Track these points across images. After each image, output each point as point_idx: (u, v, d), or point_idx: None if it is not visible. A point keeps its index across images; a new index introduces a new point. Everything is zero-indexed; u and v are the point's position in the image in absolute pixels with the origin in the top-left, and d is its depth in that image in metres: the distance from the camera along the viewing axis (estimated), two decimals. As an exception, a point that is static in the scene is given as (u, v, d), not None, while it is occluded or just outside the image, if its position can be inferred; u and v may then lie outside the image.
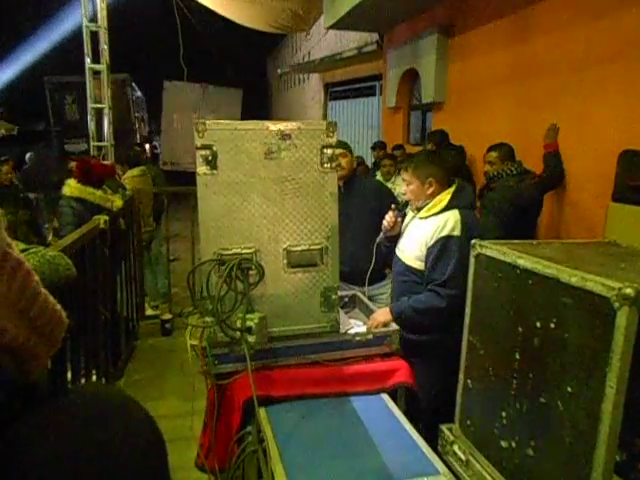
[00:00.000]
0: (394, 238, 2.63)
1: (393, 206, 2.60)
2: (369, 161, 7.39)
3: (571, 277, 1.29)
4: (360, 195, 3.08)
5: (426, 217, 2.42)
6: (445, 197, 2.39)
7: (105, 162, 5.12)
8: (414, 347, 2.41)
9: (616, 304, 1.15)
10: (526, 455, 1.49)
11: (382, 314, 2.40)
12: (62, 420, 0.55)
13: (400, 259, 2.54)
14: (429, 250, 2.35)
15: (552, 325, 1.36)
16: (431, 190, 2.42)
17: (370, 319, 2.40)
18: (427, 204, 2.43)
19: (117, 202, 3.68)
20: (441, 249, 2.31)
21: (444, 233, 2.30)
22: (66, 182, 3.57)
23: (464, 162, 5.13)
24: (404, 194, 2.58)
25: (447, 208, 2.37)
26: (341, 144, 2.98)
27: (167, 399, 3.48)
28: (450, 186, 2.45)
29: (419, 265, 2.44)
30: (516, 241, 1.76)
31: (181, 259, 6.24)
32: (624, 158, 2.83)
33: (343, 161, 2.99)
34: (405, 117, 7.20)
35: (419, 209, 2.48)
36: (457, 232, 2.29)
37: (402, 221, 2.64)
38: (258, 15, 8.99)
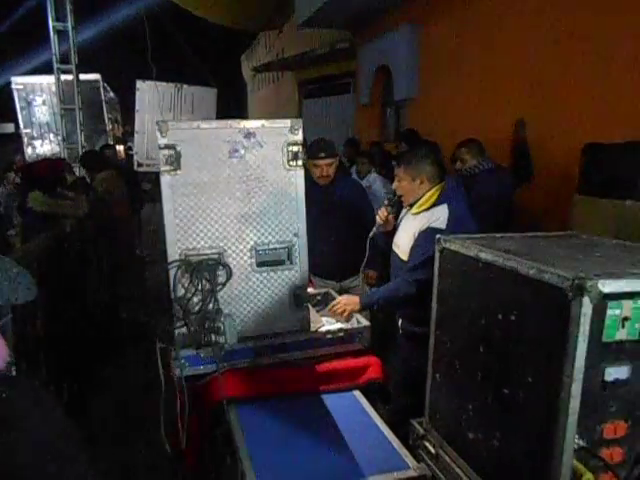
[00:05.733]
0: (390, 233, 2.64)
1: (385, 202, 2.62)
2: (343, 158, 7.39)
3: (529, 269, 1.31)
4: (341, 192, 3.14)
5: (418, 213, 2.45)
6: (435, 194, 2.42)
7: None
8: (416, 339, 2.41)
9: (570, 294, 1.17)
10: (492, 446, 1.50)
11: (350, 302, 2.39)
12: None
13: (396, 254, 2.55)
14: (417, 237, 2.38)
15: (512, 317, 1.38)
16: (422, 187, 2.44)
17: (336, 301, 2.39)
18: (418, 200, 2.45)
19: (84, 208, 3.59)
20: (423, 239, 2.33)
21: (433, 225, 2.33)
22: (30, 195, 3.35)
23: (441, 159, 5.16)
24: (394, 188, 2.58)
25: (437, 204, 2.39)
26: (328, 150, 3.04)
27: (140, 402, 3.43)
28: (441, 182, 2.46)
29: None
30: (480, 235, 1.78)
31: (156, 261, 6.17)
32: (588, 151, 2.88)
33: (331, 169, 3.05)
34: (379, 114, 7.23)
35: (411, 205, 2.50)
36: (442, 225, 2.31)
37: (396, 217, 2.65)
38: (230, 13, 8.95)
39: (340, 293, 2.77)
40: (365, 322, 2.31)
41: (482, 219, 3.33)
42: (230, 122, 1.95)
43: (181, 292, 1.94)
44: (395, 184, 2.54)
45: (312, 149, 3.12)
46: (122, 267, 5.23)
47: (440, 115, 5.33)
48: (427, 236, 2.28)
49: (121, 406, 3.44)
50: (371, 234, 2.64)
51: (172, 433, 2.12)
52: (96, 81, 12.51)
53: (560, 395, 1.22)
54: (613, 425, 1.30)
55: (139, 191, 5.78)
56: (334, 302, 2.42)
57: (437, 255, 1.78)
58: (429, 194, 2.43)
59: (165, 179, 1.90)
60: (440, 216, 2.34)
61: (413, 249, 2.38)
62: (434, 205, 2.39)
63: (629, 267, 1.33)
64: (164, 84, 12.48)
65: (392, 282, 2.42)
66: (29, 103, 12.20)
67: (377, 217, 2.61)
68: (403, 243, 2.49)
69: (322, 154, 3.03)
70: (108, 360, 4.19)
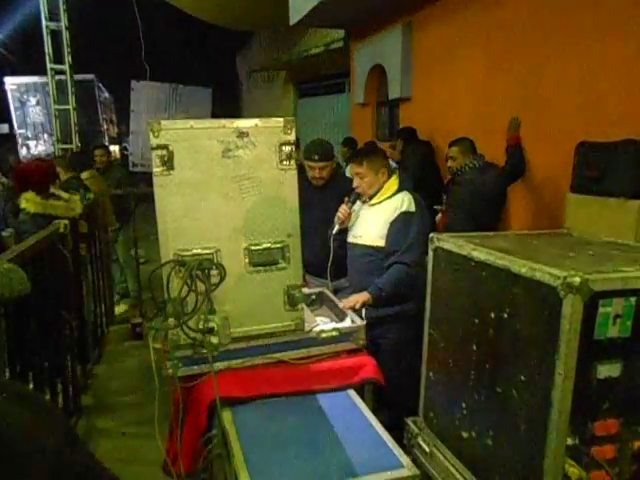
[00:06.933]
0: (344, 230, 2.80)
1: (346, 199, 2.77)
2: (339, 158, 7.39)
3: (521, 268, 1.31)
4: (336, 193, 3.13)
5: (379, 202, 2.66)
6: (394, 183, 2.67)
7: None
8: (376, 323, 2.54)
9: (562, 293, 1.17)
10: (485, 444, 1.51)
11: (360, 295, 2.51)
12: None
13: (359, 244, 2.72)
14: (391, 225, 2.58)
15: (505, 315, 1.38)
16: (383, 179, 2.67)
17: (347, 301, 2.47)
18: (378, 192, 2.67)
19: (77, 209, 3.56)
20: (401, 223, 2.57)
21: (404, 209, 2.58)
22: (23, 196, 3.28)
23: (432, 157, 5.17)
24: (356, 187, 2.74)
25: (398, 191, 2.64)
26: (323, 154, 3.05)
27: (135, 403, 3.42)
28: (393, 174, 2.71)
29: (384, 243, 2.63)
30: (473, 233, 1.78)
31: (151, 261, 6.15)
32: (581, 150, 2.89)
33: (324, 172, 3.07)
34: (374, 113, 7.22)
35: (370, 197, 2.69)
36: (413, 209, 2.59)
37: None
38: (224, 12, 8.94)
39: (334, 292, 2.78)
40: (359, 322, 2.31)
41: (467, 216, 3.39)
42: (223, 122, 1.94)
43: (175, 292, 1.93)
44: (357, 181, 2.68)
45: (307, 149, 3.11)
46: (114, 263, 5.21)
47: (434, 114, 5.34)
48: (403, 220, 2.57)
49: (115, 407, 3.43)
50: (334, 230, 2.76)
51: (168, 435, 2.12)
52: (91, 81, 12.47)
53: (552, 393, 1.22)
54: (605, 423, 1.31)
55: (130, 192, 5.68)
56: (347, 302, 2.48)
57: (430, 254, 1.78)
58: (388, 184, 2.66)
59: (158, 179, 1.90)
60: (408, 201, 2.59)
61: (391, 236, 2.57)
62: (396, 193, 2.63)
63: (621, 265, 1.33)
64: (159, 84, 12.46)
65: (390, 270, 2.55)
66: (23, 103, 12.15)
67: (339, 214, 2.74)
68: (370, 232, 2.66)
69: (315, 157, 3.02)
70: (105, 363, 4.18)
